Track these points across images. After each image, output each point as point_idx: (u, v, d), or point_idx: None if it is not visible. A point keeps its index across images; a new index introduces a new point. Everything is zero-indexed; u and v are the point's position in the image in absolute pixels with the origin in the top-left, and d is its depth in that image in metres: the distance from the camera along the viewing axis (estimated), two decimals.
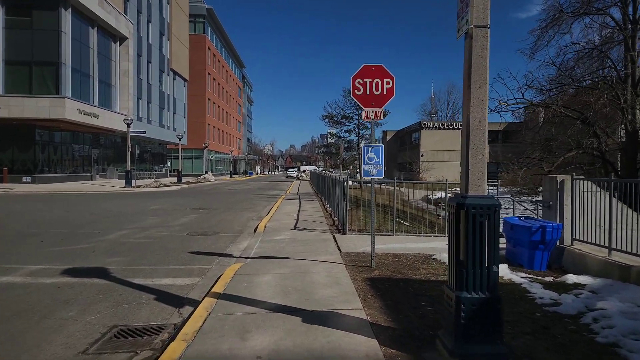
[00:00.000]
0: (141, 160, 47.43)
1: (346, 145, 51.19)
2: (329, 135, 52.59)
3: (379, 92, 6.08)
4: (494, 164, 52.18)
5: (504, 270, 6.14)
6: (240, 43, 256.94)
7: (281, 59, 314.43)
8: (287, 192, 27.70)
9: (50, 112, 27.45)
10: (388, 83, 6.02)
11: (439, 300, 4.82)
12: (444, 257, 7.01)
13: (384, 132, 68.10)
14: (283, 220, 12.33)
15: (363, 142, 46.01)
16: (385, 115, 6.71)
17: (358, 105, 43.73)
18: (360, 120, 46.94)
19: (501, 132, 52.76)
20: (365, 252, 7.65)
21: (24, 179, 28.84)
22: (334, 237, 9.43)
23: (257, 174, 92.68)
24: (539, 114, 17.66)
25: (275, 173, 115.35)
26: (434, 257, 7.18)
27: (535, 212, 10.26)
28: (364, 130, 47.59)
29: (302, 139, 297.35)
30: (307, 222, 12.00)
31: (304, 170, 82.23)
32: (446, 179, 10.65)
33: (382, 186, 16.88)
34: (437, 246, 8.32)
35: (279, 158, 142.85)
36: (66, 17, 28.72)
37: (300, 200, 20.22)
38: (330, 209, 14.97)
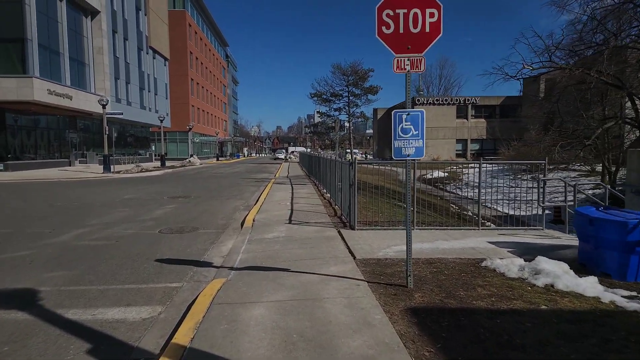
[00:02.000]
0: (125, 145, 45.00)
1: (333, 125, 49.14)
2: (318, 115, 50.35)
3: (419, 28, 4.14)
4: (491, 140, 50.62)
5: (593, 285, 4.36)
6: (222, 20, 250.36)
7: (266, 37, 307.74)
8: (277, 175, 25.74)
9: (18, 93, 24.89)
10: (432, 15, 4.08)
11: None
12: (499, 264, 5.21)
13: (375, 110, 65.94)
14: (275, 211, 10.44)
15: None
16: (423, 67, 5.05)
17: (346, 81, 41.07)
18: (351, 98, 44.91)
19: (499, 106, 51.06)
20: (389, 258, 5.81)
21: None
22: (340, 233, 7.58)
23: (244, 156, 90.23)
24: (560, 81, 15.74)
25: (263, 155, 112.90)
26: (483, 264, 5.37)
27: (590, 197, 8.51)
28: (354, 109, 45.57)
29: (289, 120, 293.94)
30: (304, 212, 10.12)
31: (292, 152, 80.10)
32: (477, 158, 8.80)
33: (374, 166, 14.65)
34: (478, 245, 6.52)
35: (266, 140, 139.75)
36: None
37: (292, 184, 18.31)
38: (329, 195, 13.10)
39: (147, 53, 47.66)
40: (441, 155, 50.15)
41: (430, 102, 51.84)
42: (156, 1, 49.57)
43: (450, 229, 7.98)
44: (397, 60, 4.31)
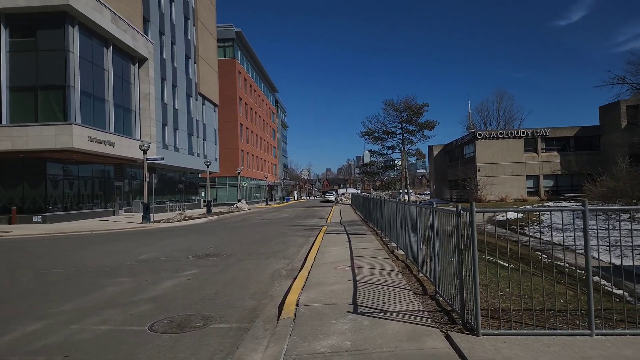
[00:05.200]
0: (176, 191, 44.12)
1: (386, 164, 45.79)
2: (369, 153, 47.12)
3: None
4: (567, 175, 44.91)
5: None
6: (271, 66, 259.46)
7: (314, 81, 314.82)
8: (328, 221, 22.54)
9: (57, 141, 23.78)
10: None
11: None
12: None
13: (430, 147, 62.00)
14: (329, 283, 7.11)
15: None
16: None
17: (399, 117, 38.10)
18: (405, 135, 41.59)
19: (573, 138, 45.66)
20: None
21: (35, 218, 25.16)
22: (455, 347, 4.12)
23: (294, 200, 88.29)
24: None
25: (313, 197, 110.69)
26: None
27: None
28: (409, 146, 42.04)
29: (338, 162, 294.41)
30: (374, 286, 6.71)
31: (343, 194, 77.10)
32: None
33: (495, 215, 11.17)
34: None
35: (315, 182, 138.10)
36: (73, 35, 25.36)
37: (347, 234, 14.97)
38: (401, 251, 9.66)
39: (197, 99, 47.39)
40: (510, 193, 45.00)
41: (492, 136, 47.33)
42: (206, 50, 49.86)
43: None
44: None
